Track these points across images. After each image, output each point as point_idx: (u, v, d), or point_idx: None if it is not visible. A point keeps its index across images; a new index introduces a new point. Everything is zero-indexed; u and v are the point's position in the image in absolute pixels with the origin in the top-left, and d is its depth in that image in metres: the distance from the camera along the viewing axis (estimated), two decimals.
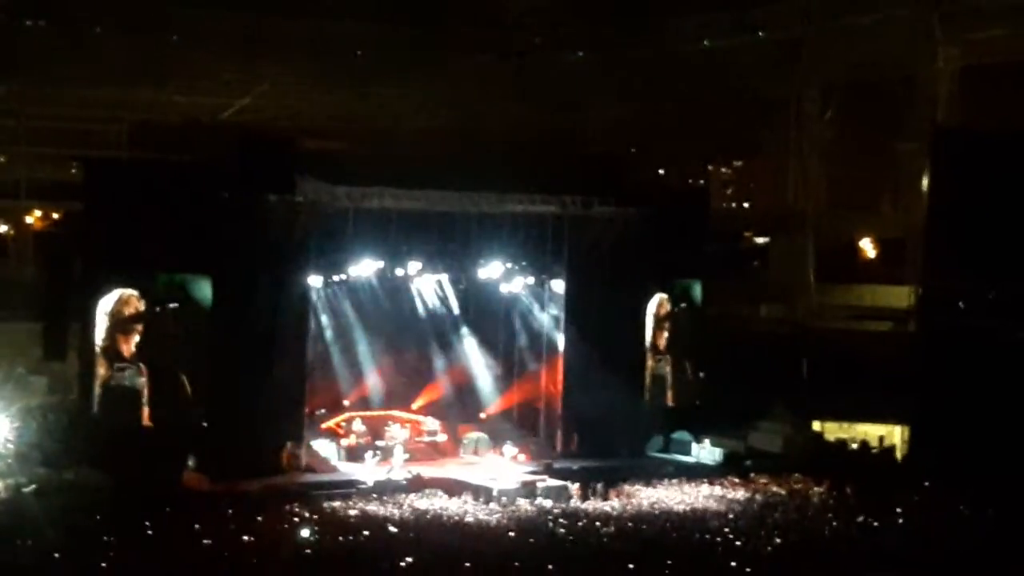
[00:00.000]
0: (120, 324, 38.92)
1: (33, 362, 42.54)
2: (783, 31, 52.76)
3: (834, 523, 34.28)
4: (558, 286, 42.68)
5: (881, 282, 52.53)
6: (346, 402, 43.40)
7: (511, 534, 32.37)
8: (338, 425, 41.77)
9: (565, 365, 42.45)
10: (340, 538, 31.10)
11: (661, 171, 59.87)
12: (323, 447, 39.98)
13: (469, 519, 33.80)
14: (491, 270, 42.23)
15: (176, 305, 38.30)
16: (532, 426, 43.26)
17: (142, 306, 38.72)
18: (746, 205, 60.53)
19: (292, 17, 52.59)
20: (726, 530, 32.93)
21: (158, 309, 38.48)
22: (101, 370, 38.90)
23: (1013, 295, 40.90)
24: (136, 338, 38.84)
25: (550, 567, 29.02)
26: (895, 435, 44.88)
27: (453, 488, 36.67)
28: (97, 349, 38.86)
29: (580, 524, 33.63)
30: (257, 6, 51.99)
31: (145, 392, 38.40)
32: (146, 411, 38.39)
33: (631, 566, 29.25)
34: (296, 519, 32.83)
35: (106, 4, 50.98)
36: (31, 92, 51.76)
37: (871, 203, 56.79)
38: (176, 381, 38.03)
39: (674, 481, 39.02)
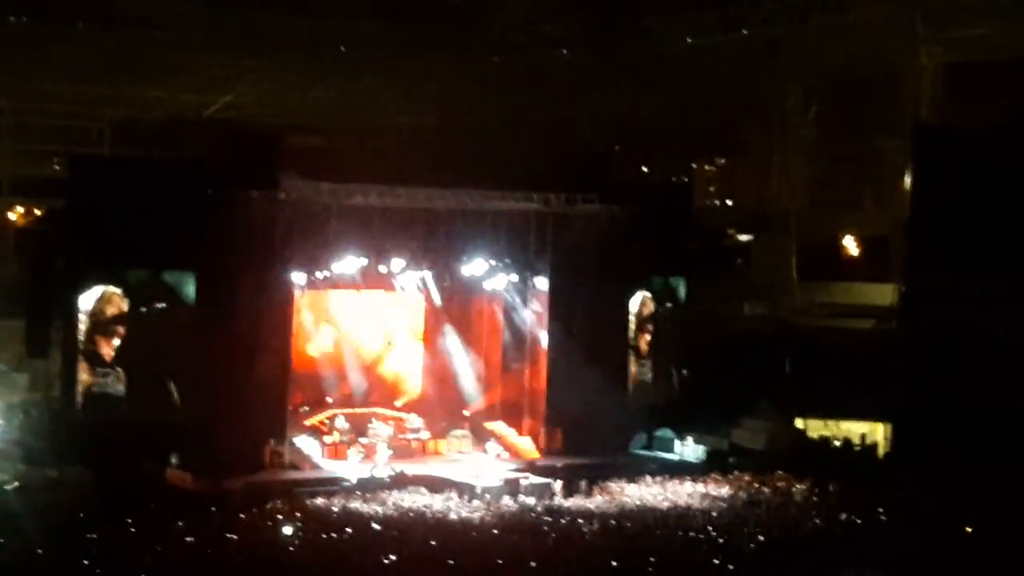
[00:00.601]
0: (101, 325, 38.78)
1: (15, 359, 42.47)
2: (766, 29, 52.76)
3: (817, 520, 34.34)
4: (542, 283, 42.71)
5: (864, 279, 52.65)
6: (329, 399, 43.33)
7: (495, 531, 32.37)
8: (321, 422, 41.71)
9: (549, 362, 42.49)
10: (323, 535, 31.09)
11: (645, 168, 59.90)
12: (306, 444, 39.91)
13: (453, 516, 33.80)
14: (475, 267, 42.21)
15: (163, 306, 38.15)
16: (516, 423, 43.24)
17: (125, 305, 38.60)
18: (729, 203, 60.58)
19: (276, 13, 52.47)
20: (709, 527, 32.99)
21: (143, 309, 38.34)
22: (83, 375, 38.78)
23: (995, 292, 41.00)
24: (117, 340, 38.72)
25: (533, 564, 29.04)
26: (878, 432, 45.02)
27: (437, 485, 36.68)
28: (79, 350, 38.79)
29: (563, 521, 33.65)
30: (241, 2, 51.87)
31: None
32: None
33: (614, 563, 29.32)
34: (279, 516, 32.80)
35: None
36: (14, 88, 51.64)
37: (854, 200, 56.88)
38: (161, 387, 37.85)
39: (657, 478, 39.06)
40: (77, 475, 35.73)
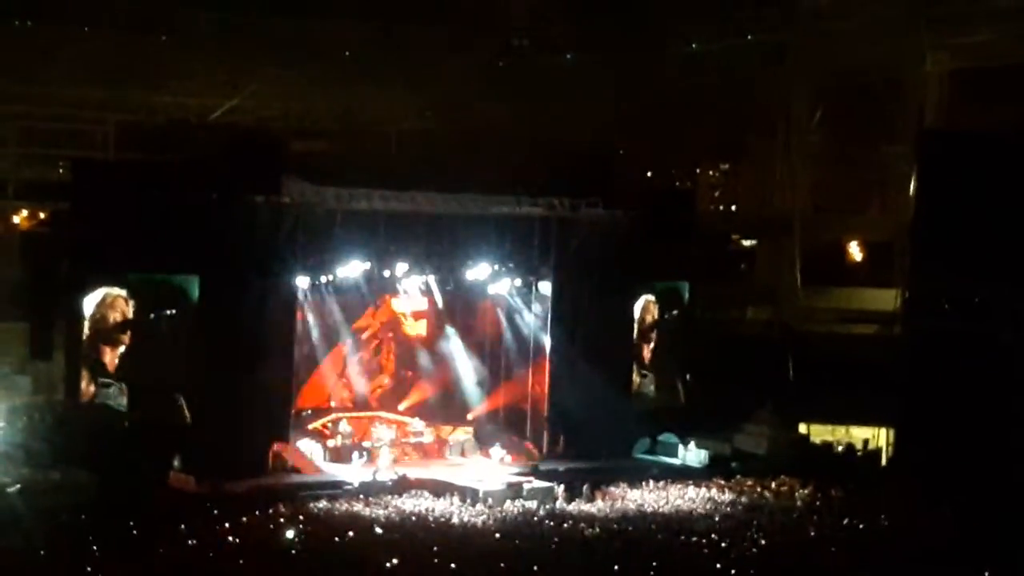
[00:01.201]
0: (104, 332, 38.68)
1: (18, 361, 42.51)
2: (772, 34, 52.78)
3: (819, 525, 34.34)
4: (545, 288, 42.74)
5: (868, 285, 52.59)
6: (332, 403, 43.37)
7: (497, 535, 32.38)
8: (324, 426, 41.74)
9: (551, 366, 42.50)
10: (326, 539, 31.10)
11: (649, 173, 59.85)
12: (309, 448, 39.93)
13: (455, 520, 33.81)
14: (478, 271, 42.26)
15: (169, 312, 38.05)
16: (519, 428, 43.26)
17: (129, 309, 38.52)
18: (733, 208, 60.54)
19: (281, 17, 52.53)
20: (711, 532, 32.97)
21: (152, 316, 38.20)
22: (84, 385, 38.66)
23: (998, 298, 40.96)
24: (121, 348, 38.62)
25: (535, 568, 29.05)
26: (880, 437, 45.01)
27: (439, 489, 36.67)
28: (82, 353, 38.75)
29: (566, 526, 33.67)
30: (246, 6, 51.93)
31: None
32: None
33: (616, 567, 29.33)
34: (282, 520, 32.81)
35: (94, 3, 50.91)
36: (19, 91, 51.65)
37: (859, 206, 56.84)
38: (166, 400, 37.76)
39: (660, 483, 39.03)
40: (80, 478, 35.72)
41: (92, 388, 38.79)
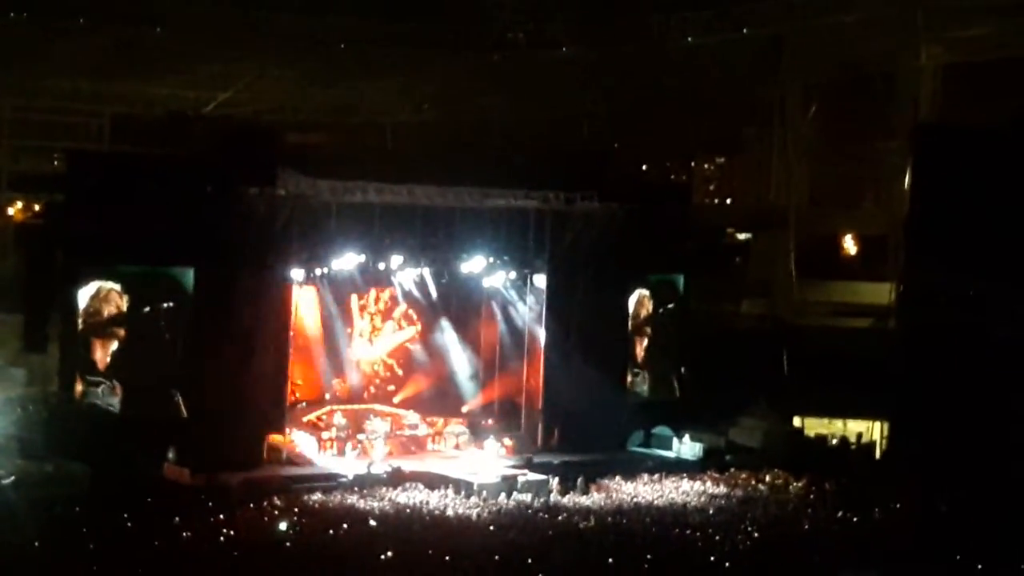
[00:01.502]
0: (96, 327, 38.58)
1: (13, 354, 42.49)
2: (767, 28, 52.79)
3: (813, 518, 34.39)
4: (540, 281, 42.77)
5: (862, 279, 52.69)
6: (327, 395, 43.37)
7: (491, 528, 32.42)
8: (319, 418, 41.72)
9: (546, 360, 42.55)
10: (320, 531, 31.12)
11: (644, 167, 59.94)
12: (304, 440, 39.93)
13: (449, 513, 33.83)
14: (473, 264, 42.27)
15: (167, 304, 37.97)
16: (513, 421, 43.28)
17: (123, 302, 38.44)
18: (728, 201, 60.63)
19: (276, 10, 52.51)
20: (705, 525, 33.02)
21: (146, 308, 38.13)
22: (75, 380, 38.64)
23: (993, 292, 41.00)
24: (115, 343, 38.55)
25: (530, 561, 29.08)
26: (874, 431, 45.08)
27: (434, 482, 36.70)
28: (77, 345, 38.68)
29: (560, 518, 33.71)
30: None
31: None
32: None
33: (611, 560, 29.38)
34: (276, 512, 32.84)
35: None
36: (14, 83, 51.65)
37: (853, 200, 56.94)
38: (163, 397, 37.64)
39: (654, 476, 39.06)
40: (74, 470, 35.70)
41: (81, 387, 38.67)
